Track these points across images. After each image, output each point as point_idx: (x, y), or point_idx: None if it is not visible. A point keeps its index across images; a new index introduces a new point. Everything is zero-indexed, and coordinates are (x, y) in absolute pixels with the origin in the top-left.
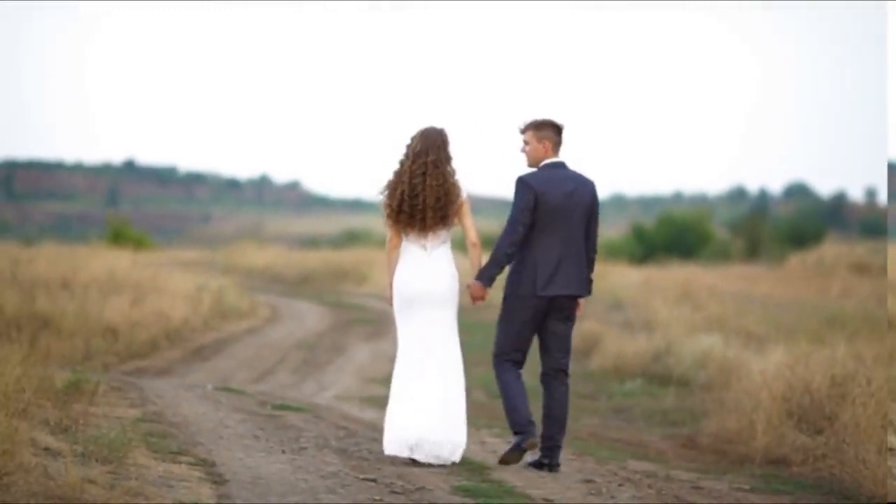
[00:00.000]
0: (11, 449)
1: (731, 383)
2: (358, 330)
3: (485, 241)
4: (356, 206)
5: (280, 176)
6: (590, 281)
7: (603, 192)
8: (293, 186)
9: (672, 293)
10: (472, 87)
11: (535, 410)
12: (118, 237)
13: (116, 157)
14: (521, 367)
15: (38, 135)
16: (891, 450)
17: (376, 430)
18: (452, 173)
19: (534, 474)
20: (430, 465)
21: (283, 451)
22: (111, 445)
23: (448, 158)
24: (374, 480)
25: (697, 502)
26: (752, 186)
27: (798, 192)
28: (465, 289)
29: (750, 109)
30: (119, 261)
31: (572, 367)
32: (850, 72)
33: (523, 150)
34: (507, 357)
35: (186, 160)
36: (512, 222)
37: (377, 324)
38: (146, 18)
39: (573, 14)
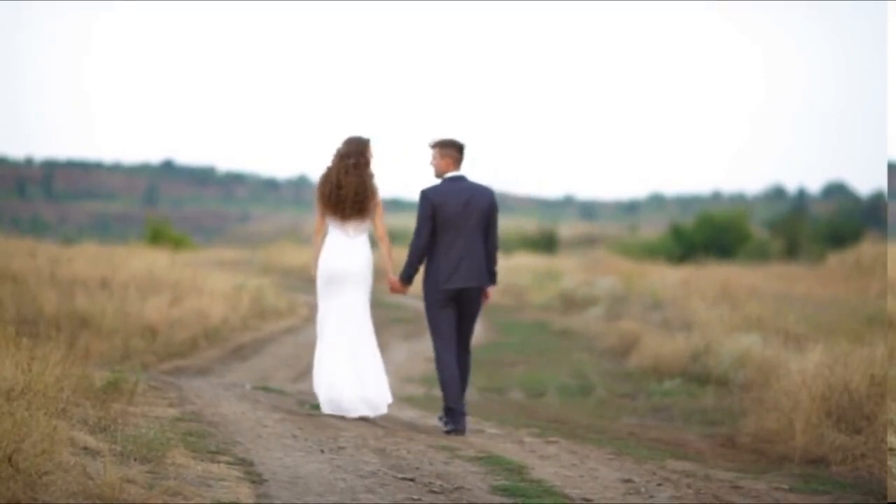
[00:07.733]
0: (50, 448)
1: (770, 383)
2: (395, 329)
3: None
4: (393, 205)
5: (318, 176)
6: (493, 273)
7: (641, 192)
8: None
9: (710, 293)
10: (511, 87)
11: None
12: (157, 237)
13: (155, 156)
14: (453, 343)
15: (77, 135)
16: (891, 450)
17: (415, 430)
18: (371, 176)
19: (573, 473)
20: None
21: (322, 451)
22: (150, 445)
23: (367, 163)
24: (412, 480)
25: (736, 502)
26: (791, 186)
27: (837, 191)
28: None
29: (790, 108)
30: (158, 260)
31: (609, 367)
32: None
33: (431, 164)
34: (437, 336)
35: (225, 160)
36: (417, 230)
37: (415, 323)
38: (185, 19)
39: (619, 14)
